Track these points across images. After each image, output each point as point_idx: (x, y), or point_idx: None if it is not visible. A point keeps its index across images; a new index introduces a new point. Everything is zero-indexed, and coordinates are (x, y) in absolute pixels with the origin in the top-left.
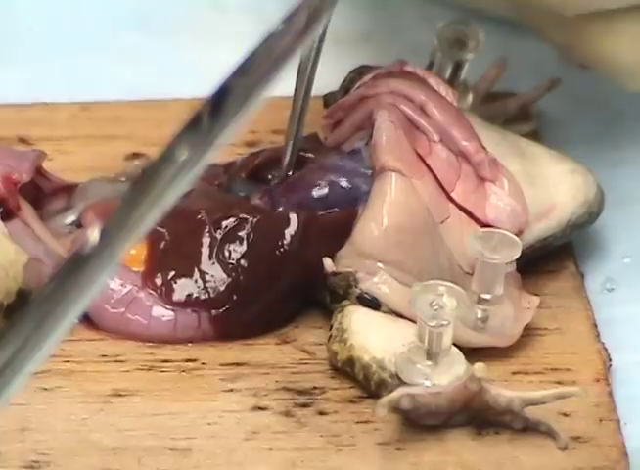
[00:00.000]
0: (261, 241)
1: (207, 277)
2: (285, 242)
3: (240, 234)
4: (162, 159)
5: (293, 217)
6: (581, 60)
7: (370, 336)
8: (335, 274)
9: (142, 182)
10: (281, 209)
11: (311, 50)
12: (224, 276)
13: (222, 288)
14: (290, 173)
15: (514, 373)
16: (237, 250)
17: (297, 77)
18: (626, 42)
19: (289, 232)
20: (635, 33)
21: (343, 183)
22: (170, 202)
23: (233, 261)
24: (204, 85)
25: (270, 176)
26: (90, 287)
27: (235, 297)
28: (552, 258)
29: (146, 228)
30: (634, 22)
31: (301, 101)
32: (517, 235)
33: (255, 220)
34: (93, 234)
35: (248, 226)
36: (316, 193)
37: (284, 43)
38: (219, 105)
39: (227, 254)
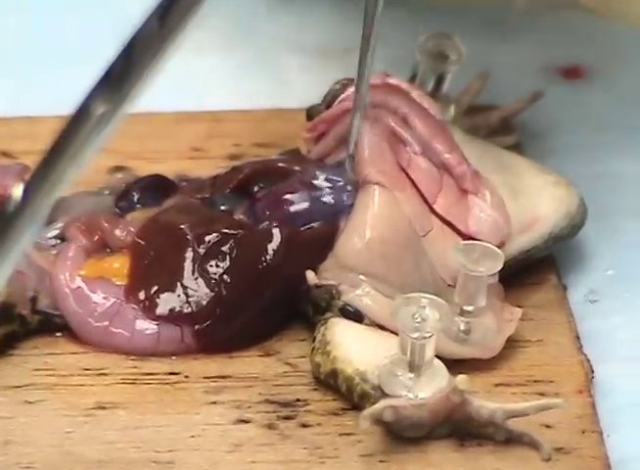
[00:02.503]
0: (244, 256)
1: (190, 291)
2: (268, 257)
3: (223, 249)
4: (79, 114)
5: (275, 232)
6: (617, 19)
7: (353, 348)
8: (317, 287)
9: (61, 138)
10: (264, 223)
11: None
12: (207, 291)
13: (205, 302)
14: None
15: (496, 385)
16: (220, 264)
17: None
18: None
19: (271, 247)
20: None
21: (326, 197)
22: (89, 156)
23: (216, 276)
24: (187, 98)
25: (256, 189)
26: (16, 243)
27: (218, 311)
28: (535, 270)
29: (67, 183)
30: None
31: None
32: (499, 247)
33: (238, 235)
34: (16, 191)
35: (231, 241)
36: (299, 207)
37: None
38: (132, 56)
39: (210, 268)
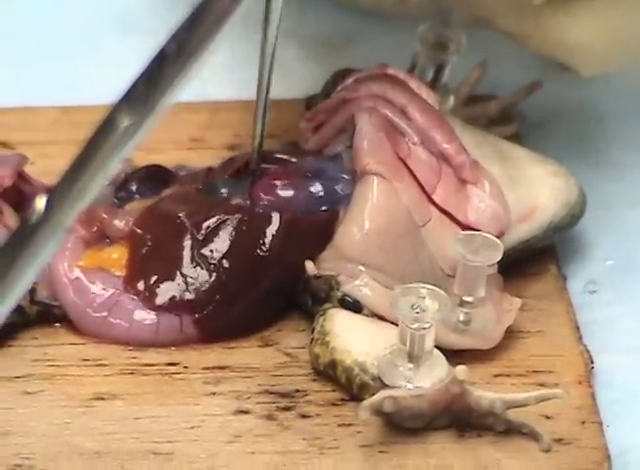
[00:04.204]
0: (243, 242)
1: (190, 280)
2: (266, 240)
3: (221, 235)
4: (104, 126)
5: (275, 216)
6: (537, 48)
7: (352, 339)
8: (317, 277)
9: (86, 150)
10: (262, 209)
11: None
12: (206, 278)
13: (204, 289)
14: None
15: (496, 375)
16: (219, 251)
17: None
18: (587, 26)
19: (270, 231)
20: (595, 16)
21: (325, 186)
22: (114, 169)
23: (215, 262)
24: (186, 88)
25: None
26: (37, 256)
27: (217, 298)
28: (534, 260)
29: (91, 196)
30: (595, 5)
31: (264, 102)
32: (498, 237)
33: (236, 220)
34: (39, 203)
35: (229, 227)
36: (297, 196)
37: (221, 5)
38: (158, 70)
39: (209, 254)
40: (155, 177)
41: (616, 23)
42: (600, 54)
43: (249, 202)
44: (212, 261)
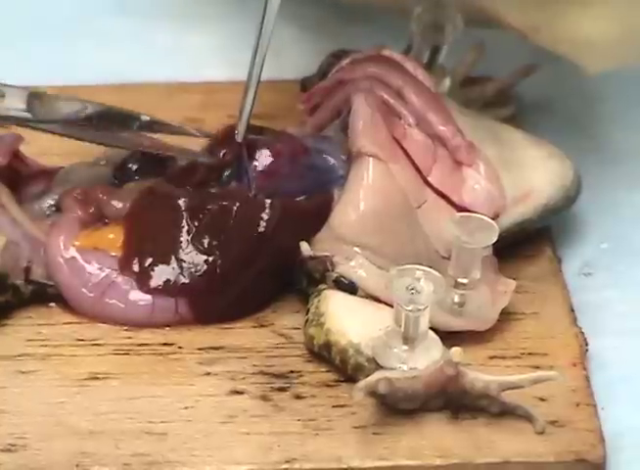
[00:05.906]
0: (238, 226)
1: (185, 263)
2: (262, 227)
3: (217, 220)
4: None
5: (269, 203)
6: (545, 42)
7: (347, 320)
8: (312, 258)
9: None
10: (258, 194)
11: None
12: (202, 261)
13: (200, 273)
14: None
15: (491, 357)
16: (214, 235)
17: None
18: (601, 19)
19: (265, 217)
20: (611, 10)
21: (318, 168)
22: None
23: (210, 247)
24: (180, 69)
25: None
26: None
27: (212, 281)
28: (529, 242)
29: None
30: (611, 2)
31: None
32: (493, 219)
33: (232, 206)
34: None
35: (225, 212)
36: (291, 177)
37: None
38: None
39: (204, 239)
40: (154, 158)
41: (631, 17)
42: (611, 49)
43: (245, 186)
44: (208, 247)
